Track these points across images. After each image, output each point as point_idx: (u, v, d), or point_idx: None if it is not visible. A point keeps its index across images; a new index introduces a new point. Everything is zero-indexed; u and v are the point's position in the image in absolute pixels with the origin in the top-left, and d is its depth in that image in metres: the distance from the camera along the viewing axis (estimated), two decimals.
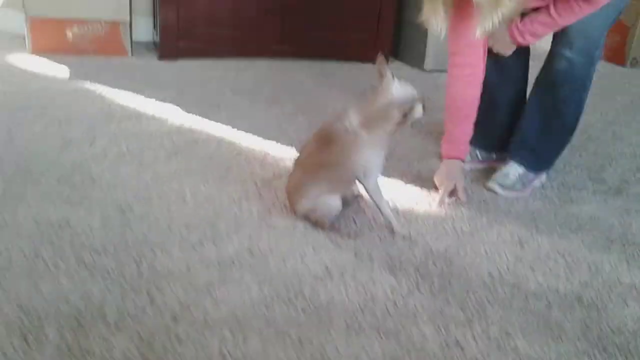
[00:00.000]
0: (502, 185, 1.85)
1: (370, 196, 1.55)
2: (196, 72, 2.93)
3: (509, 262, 1.47)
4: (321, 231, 1.53)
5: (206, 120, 2.26)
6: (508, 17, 1.51)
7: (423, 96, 1.46)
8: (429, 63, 3.40)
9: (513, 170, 1.87)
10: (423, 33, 3.34)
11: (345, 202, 1.60)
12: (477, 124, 1.80)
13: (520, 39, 1.72)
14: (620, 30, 3.98)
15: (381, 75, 1.46)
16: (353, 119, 1.45)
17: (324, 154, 1.49)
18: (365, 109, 1.46)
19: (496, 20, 1.48)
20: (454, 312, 1.26)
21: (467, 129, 1.80)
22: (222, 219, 1.55)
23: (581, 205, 1.82)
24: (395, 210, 1.65)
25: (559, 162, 2.00)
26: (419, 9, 1.64)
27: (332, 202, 1.52)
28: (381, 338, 1.16)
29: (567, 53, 1.73)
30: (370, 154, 1.47)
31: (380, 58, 1.46)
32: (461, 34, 1.67)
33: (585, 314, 1.29)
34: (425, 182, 1.87)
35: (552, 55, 1.79)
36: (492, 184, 1.86)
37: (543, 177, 1.93)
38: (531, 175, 1.88)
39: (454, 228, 1.62)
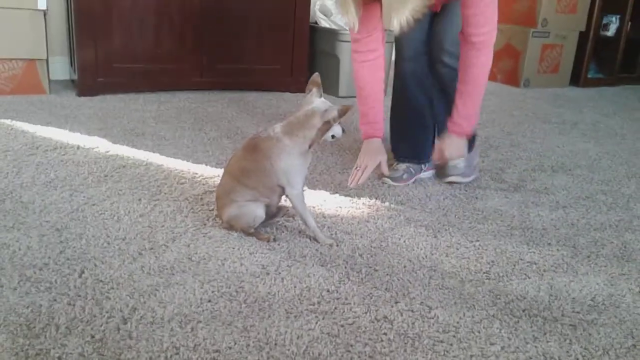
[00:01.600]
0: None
1: (295, 207, 1.63)
2: (117, 106, 2.98)
3: (425, 250, 1.64)
4: (254, 238, 1.63)
5: (132, 148, 2.32)
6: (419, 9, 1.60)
7: (346, 106, 1.56)
8: (342, 90, 3.62)
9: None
10: (336, 62, 3.57)
11: (271, 214, 1.69)
12: (409, 141, 1.99)
13: (465, 126, 1.90)
14: (512, 55, 4.41)
15: (308, 90, 1.61)
16: (277, 128, 1.59)
17: (248, 161, 1.60)
18: (289, 119, 1.60)
19: (407, 14, 1.58)
20: (381, 294, 1.40)
21: (379, 109, 1.96)
22: (158, 232, 1.62)
23: (486, 201, 2.04)
24: (322, 218, 1.78)
25: None
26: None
27: (256, 210, 1.60)
28: (318, 319, 1.28)
29: (446, 59, 1.97)
30: (291, 159, 1.57)
31: (314, 77, 1.62)
32: (363, 23, 1.80)
33: (493, 286, 1.47)
34: (348, 190, 2.03)
35: (432, 62, 2.00)
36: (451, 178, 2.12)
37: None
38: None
39: (376, 226, 1.77)
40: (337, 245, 1.63)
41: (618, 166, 2.54)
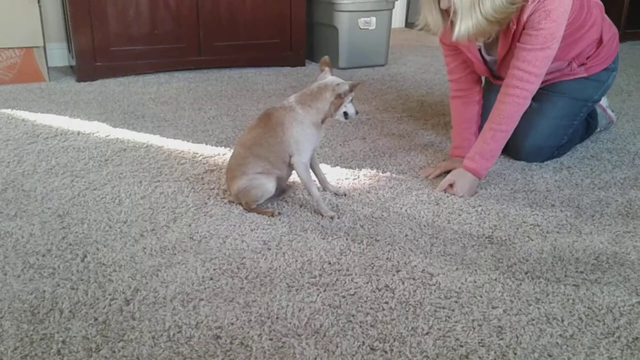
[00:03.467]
0: None
1: (299, 176, 1.64)
2: (117, 89, 2.97)
3: (427, 218, 1.64)
4: (256, 213, 1.63)
5: (132, 131, 2.32)
6: (489, 18, 1.64)
7: (357, 81, 1.58)
8: (342, 61, 3.58)
9: None
10: (334, 34, 3.53)
11: (280, 189, 1.71)
12: None
13: (481, 165, 1.80)
14: None
15: (322, 70, 1.64)
16: (292, 99, 1.61)
17: (262, 129, 1.61)
18: (303, 91, 1.62)
19: (473, 22, 1.63)
20: (382, 263, 1.40)
21: (465, 137, 1.99)
22: (159, 213, 1.63)
23: None
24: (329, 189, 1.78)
25: None
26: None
27: (267, 184, 1.61)
28: (320, 291, 1.28)
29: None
30: (303, 128, 1.59)
31: (325, 58, 1.66)
32: (455, 66, 1.97)
33: (496, 250, 1.47)
34: (348, 162, 2.02)
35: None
36: None
37: None
38: None
39: (377, 196, 1.77)
40: (339, 218, 1.62)
41: (624, 124, 2.50)
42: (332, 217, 1.62)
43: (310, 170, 1.67)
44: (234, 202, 1.68)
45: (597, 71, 1.99)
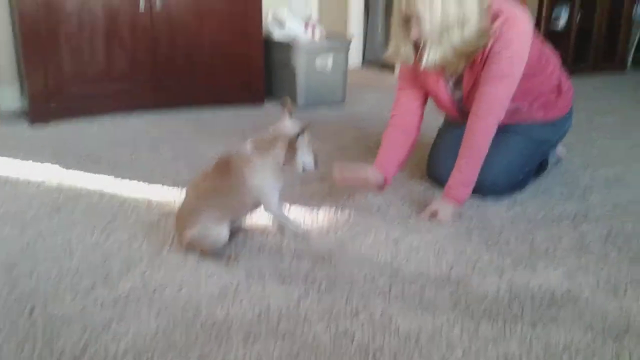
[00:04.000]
0: None
1: (278, 219, 1.66)
2: (71, 131, 2.91)
3: (386, 258, 1.64)
4: (213, 259, 1.60)
5: (87, 175, 2.26)
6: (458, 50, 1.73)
7: (305, 123, 1.59)
8: (301, 100, 3.60)
9: None
10: (292, 73, 3.56)
11: (234, 231, 1.69)
12: None
13: (461, 193, 1.88)
14: None
15: (282, 113, 1.64)
16: (248, 147, 1.59)
17: (219, 179, 1.59)
18: (259, 137, 1.61)
19: (442, 52, 1.72)
20: (341, 307, 1.39)
21: (391, 156, 2.02)
22: (112, 263, 1.58)
23: None
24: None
25: (419, 174, 2.25)
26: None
27: (221, 232, 1.59)
28: (277, 340, 1.26)
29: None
30: (264, 176, 1.58)
31: (285, 100, 1.65)
32: (403, 101, 2.04)
33: (453, 289, 1.47)
34: (307, 202, 2.01)
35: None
36: None
37: None
38: None
39: (336, 237, 1.76)
40: (297, 259, 1.61)
41: (573, 157, 2.58)
42: (306, 236, 1.69)
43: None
44: (189, 249, 1.65)
45: (554, 116, 2.08)
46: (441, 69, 1.84)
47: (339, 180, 1.96)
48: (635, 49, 5.38)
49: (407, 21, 1.75)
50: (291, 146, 1.57)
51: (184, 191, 1.89)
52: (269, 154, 1.58)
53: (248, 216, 1.74)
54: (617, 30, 5.25)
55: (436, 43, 1.71)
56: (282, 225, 1.70)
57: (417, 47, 1.79)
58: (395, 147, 2.02)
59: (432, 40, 1.71)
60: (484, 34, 1.74)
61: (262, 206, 1.64)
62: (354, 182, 1.98)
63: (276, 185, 1.61)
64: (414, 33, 1.74)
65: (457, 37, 1.71)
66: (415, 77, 1.98)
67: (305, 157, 1.61)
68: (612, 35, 5.21)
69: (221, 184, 1.59)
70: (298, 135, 1.56)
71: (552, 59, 2.03)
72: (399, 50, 1.83)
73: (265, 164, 1.58)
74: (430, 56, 1.73)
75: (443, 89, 1.97)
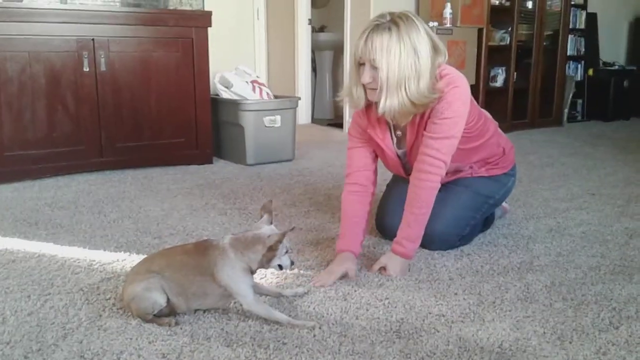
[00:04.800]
0: None
1: (259, 315, 1.56)
2: (10, 195, 2.81)
3: (335, 315, 1.61)
4: (156, 325, 1.53)
5: (24, 240, 2.17)
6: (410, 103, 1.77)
7: (285, 230, 1.54)
8: (250, 158, 3.61)
9: None
10: (241, 132, 3.58)
11: (173, 311, 1.58)
12: None
13: (409, 249, 1.89)
14: None
15: (261, 216, 1.62)
16: (227, 241, 1.56)
17: (192, 263, 1.54)
18: (239, 236, 1.57)
19: (399, 101, 1.75)
20: None
21: (358, 232, 1.98)
22: (48, 331, 1.50)
23: None
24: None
25: (369, 226, 2.25)
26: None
27: (158, 298, 1.52)
28: None
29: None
30: (235, 271, 1.53)
31: (266, 204, 1.64)
32: (356, 157, 2.03)
33: (404, 345, 1.45)
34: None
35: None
36: None
37: None
38: None
39: (286, 296, 1.72)
40: (320, 328, 1.53)
41: (517, 209, 2.65)
42: (313, 327, 1.54)
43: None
44: (130, 313, 1.57)
45: (497, 174, 2.16)
46: (391, 119, 1.89)
47: (323, 285, 1.85)
48: (570, 105, 5.69)
49: (360, 65, 1.80)
50: (270, 251, 1.54)
51: (128, 252, 1.82)
52: (245, 255, 1.54)
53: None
54: (552, 89, 5.57)
55: (393, 91, 1.75)
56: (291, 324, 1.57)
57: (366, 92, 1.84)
58: (356, 218, 2.00)
59: (389, 88, 1.75)
60: (435, 90, 1.81)
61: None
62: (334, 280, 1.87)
63: (246, 280, 1.56)
64: (363, 77, 1.78)
65: (413, 88, 1.75)
66: (364, 133, 2.01)
67: (283, 260, 1.59)
68: (547, 93, 5.52)
69: (189, 262, 1.55)
70: (279, 241, 1.54)
71: (490, 124, 2.10)
72: (352, 92, 1.88)
73: (237, 262, 1.54)
74: (387, 103, 1.77)
75: (390, 144, 2.01)
